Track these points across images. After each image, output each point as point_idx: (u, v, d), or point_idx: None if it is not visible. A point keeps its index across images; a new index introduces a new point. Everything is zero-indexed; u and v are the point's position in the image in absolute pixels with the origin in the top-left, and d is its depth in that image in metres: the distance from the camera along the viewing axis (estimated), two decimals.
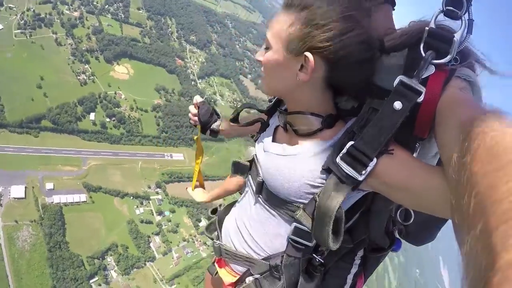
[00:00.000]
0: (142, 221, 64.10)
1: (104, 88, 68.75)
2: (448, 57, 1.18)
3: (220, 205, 2.17)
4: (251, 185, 1.77)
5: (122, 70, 75.05)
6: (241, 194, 1.99)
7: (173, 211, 68.01)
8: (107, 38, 77.05)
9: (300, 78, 1.36)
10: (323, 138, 1.46)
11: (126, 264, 58.92)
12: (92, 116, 66.52)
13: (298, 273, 1.57)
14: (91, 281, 55.44)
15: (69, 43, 71.13)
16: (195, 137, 2.49)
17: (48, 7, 74.01)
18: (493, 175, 0.53)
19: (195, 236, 67.51)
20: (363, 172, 1.23)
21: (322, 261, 1.54)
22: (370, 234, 1.61)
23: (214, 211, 2.17)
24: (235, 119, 2.04)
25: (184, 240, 66.99)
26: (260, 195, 1.65)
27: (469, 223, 0.52)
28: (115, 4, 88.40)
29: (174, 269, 63.00)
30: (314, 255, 1.54)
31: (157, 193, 68.57)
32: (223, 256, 1.84)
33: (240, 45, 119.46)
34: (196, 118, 2.33)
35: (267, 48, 1.43)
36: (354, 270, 1.69)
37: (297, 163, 1.47)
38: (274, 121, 1.77)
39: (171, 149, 69.08)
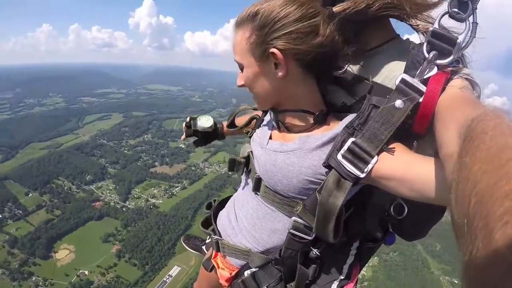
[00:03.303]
0: None
1: (65, 280, 65.70)
2: (451, 58, 1.25)
3: (214, 200, 2.29)
4: (247, 182, 1.89)
5: (64, 253, 72.56)
6: (235, 189, 2.12)
7: None
8: (26, 240, 74.14)
9: (280, 75, 1.46)
10: (319, 133, 1.55)
11: None
12: None
13: (296, 265, 1.65)
14: None
15: (1, 273, 66.48)
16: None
17: None
18: (494, 174, 0.54)
19: None
20: (365, 169, 1.30)
21: (319, 254, 1.62)
22: (365, 226, 1.73)
23: (209, 206, 2.26)
24: (231, 124, 2.38)
25: None
26: (258, 192, 1.73)
27: (469, 221, 0.53)
28: (5, 208, 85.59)
29: None
30: (312, 247, 1.61)
31: None
32: (220, 250, 1.93)
33: (126, 148, 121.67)
34: (190, 130, 2.56)
35: (241, 69, 1.55)
36: (350, 260, 1.78)
37: (295, 159, 1.53)
38: (269, 117, 1.88)
39: (164, 271, 69.49)
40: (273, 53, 1.41)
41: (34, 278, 67.15)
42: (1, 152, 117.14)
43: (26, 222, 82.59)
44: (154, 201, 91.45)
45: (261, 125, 1.95)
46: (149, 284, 65.96)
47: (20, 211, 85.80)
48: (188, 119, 2.67)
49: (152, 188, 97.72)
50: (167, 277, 67.19)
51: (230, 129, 2.45)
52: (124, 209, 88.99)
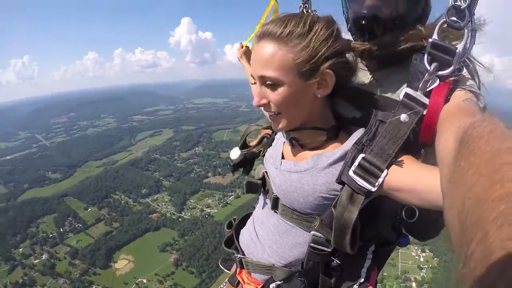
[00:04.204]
0: None
1: None
2: (451, 68, 1.31)
3: (234, 219, 2.35)
4: (265, 201, 1.98)
5: (123, 263, 74.37)
6: (253, 207, 2.24)
7: None
8: (87, 251, 76.99)
9: (321, 95, 1.55)
10: (330, 150, 1.64)
11: None
12: None
13: (318, 275, 1.72)
14: None
15: (63, 282, 69.32)
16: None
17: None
18: (489, 178, 0.55)
19: None
20: (376, 183, 1.37)
21: (339, 263, 1.68)
22: (379, 231, 1.81)
23: (230, 225, 2.32)
24: (244, 145, 2.41)
25: None
26: (276, 210, 1.82)
27: (464, 223, 0.54)
28: (66, 222, 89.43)
29: None
30: (332, 257, 1.67)
31: None
32: (244, 267, 2.00)
33: (179, 162, 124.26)
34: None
35: (275, 85, 1.50)
36: (367, 264, 1.85)
37: (309, 178, 1.61)
38: (280, 136, 1.98)
39: (221, 278, 68.90)
40: (326, 73, 1.51)
41: (94, 287, 69.17)
42: (60, 172, 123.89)
43: (86, 234, 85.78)
44: (209, 210, 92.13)
45: (273, 144, 2.06)
46: None
47: (80, 225, 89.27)
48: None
49: (207, 198, 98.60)
50: (224, 283, 66.38)
51: (244, 150, 2.39)
52: (180, 219, 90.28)
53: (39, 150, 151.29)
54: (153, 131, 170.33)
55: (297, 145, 1.76)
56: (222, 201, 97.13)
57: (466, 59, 1.45)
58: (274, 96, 1.52)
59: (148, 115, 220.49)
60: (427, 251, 60.31)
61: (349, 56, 1.65)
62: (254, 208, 2.20)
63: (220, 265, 2.42)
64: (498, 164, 0.56)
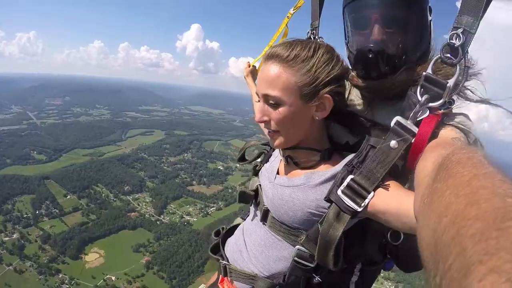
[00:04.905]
0: None
1: (91, 283, 66.30)
2: (441, 102, 1.38)
3: (222, 228, 2.42)
4: (256, 213, 2.06)
5: (93, 256, 73.56)
6: (243, 219, 2.36)
7: None
8: (59, 238, 76.14)
9: (319, 117, 1.66)
10: (323, 170, 1.72)
11: None
12: None
13: None
14: None
15: (29, 265, 68.68)
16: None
17: None
18: (466, 198, 0.58)
19: None
20: (362, 204, 1.43)
21: (320, 280, 1.74)
22: (365, 251, 1.88)
23: (217, 233, 2.38)
24: (242, 158, 2.51)
25: None
26: (265, 222, 1.88)
27: (439, 239, 0.56)
28: (43, 205, 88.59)
29: None
30: (313, 274, 1.74)
31: None
32: (228, 275, 2.04)
33: (166, 165, 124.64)
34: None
35: (277, 105, 1.61)
36: (352, 285, 1.92)
37: (300, 193, 1.70)
38: (277, 153, 2.08)
39: None
40: (326, 97, 1.62)
41: (60, 276, 68.24)
42: (45, 154, 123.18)
43: (61, 221, 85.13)
44: (188, 218, 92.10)
45: (269, 160, 2.15)
46: None
47: (57, 211, 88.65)
48: None
49: (188, 206, 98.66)
50: None
51: (242, 163, 2.54)
52: (158, 222, 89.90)
53: (28, 128, 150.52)
54: (145, 130, 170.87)
55: (292, 163, 1.87)
56: (203, 210, 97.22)
57: (460, 94, 1.55)
58: (275, 114, 1.63)
59: (142, 113, 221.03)
60: None
61: (347, 84, 1.83)
62: (244, 219, 2.32)
63: (209, 253, 2.36)
64: (475, 187, 0.59)
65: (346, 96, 1.85)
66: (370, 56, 1.71)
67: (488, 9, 1.33)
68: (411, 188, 1.42)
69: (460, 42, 1.35)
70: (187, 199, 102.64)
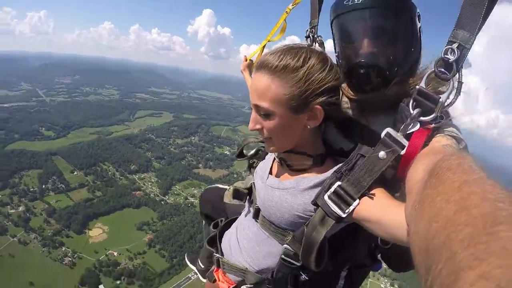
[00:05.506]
0: None
1: (94, 257, 67.87)
2: (433, 116, 1.37)
3: (221, 220, 2.54)
4: (249, 209, 2.13)
5: (97, 232, 75.12)
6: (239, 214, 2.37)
7: None
8: (64, 212, 77.62)
9: (311, 126, 1.69)
10: (314, 175, 1.77)
11: None
12: None
13: (286, 286, 1.84)
14: None
15: (34, 237, 70.31)
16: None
17: None
18: (457, 204, 0.59)
19: None
20: (347, 210, 1.45)
21: (307, 278, 1.79)
22: (354, 254, 1.94)
23: (216, 226, 2.51)
24: (240, 154, 2.59)
25: None
26: (257, 219, 1.97)
27: (429, 244, 0.58)
28: (50, 180, 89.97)
29: None
30: (301, 272, 1.79)
31: None
32: (221, 267, 2.15)
33: (173, 147, 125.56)
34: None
35: (267, 115, 1.64)
36: (340, 284, 1.99)
37: (289, 196, 1.76)
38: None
39: (190, 268, 68.88)
40: (316, 108, 1.63)
41: (64, 249, 69.60)
42: (54, 130, 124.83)
43: (67, 196, 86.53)
44: (193, 200, 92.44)
45: (266, 158, 2.22)
46: (174, 276, 66.94)
47: (63, 186, 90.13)
48: None
49: (193, 188, 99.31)
50: (192, 273, 66.80)
51: (241, 159, 2.64)
52: (162, 202, 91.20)
53: (37, 105, 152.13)
54: (153, 111, 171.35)
55: (285, 165, 1.93)
56: None
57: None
58: (266, 124, 1.67)
59: (152, 95, 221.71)
60: (396, 285, 61.35)
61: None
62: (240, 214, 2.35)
63: (206, 245, 2.50)
64: (465, 193, 0.60)
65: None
66: (362, 71, 1.74)
67: (484, 24, 1.31)
68: (402, 196, 1.37)
69: (455, 57, 1.32)
70: (192, 182, 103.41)
